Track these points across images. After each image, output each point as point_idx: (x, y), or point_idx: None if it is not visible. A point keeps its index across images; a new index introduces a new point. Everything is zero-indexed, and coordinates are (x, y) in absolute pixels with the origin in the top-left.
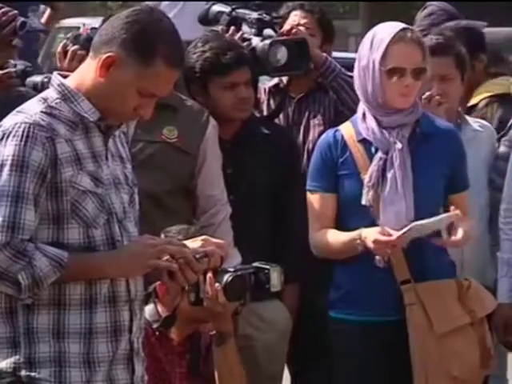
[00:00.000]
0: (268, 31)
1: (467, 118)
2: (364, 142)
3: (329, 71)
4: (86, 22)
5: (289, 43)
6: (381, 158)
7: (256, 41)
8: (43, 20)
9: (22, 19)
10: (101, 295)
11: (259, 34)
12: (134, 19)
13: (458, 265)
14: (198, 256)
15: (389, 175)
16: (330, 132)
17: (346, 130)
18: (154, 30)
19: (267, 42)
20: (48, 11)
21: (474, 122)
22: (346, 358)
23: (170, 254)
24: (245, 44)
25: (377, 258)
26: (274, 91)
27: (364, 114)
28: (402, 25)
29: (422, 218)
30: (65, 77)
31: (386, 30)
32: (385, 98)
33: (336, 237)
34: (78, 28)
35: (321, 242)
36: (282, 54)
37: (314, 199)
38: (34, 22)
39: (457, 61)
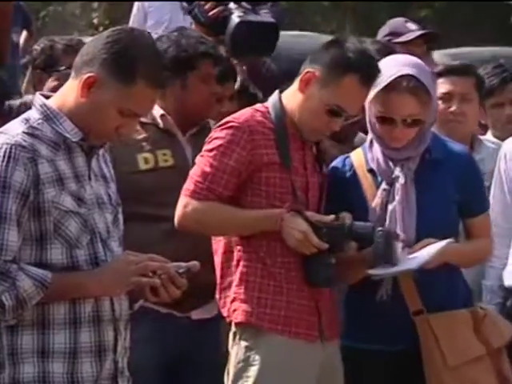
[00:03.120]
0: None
1: (480, 137)
2: (372, 171)
3: None
4: None
5: (255, 25)
6: (384, 190)
7: (232, 5)
8: (21, 41)
9: None
10: (85, 315)
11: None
12: (114, 39)
13: None
14: (180, 271)
15: (390, 207)
16: (339, 159)
17: (356, 157)
18: (135, 49)
19: (236, 20)
20: (24, 34)
21: (486, 141)
22: None
23: (152, 271)
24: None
25: (380, 291)
26: (241, 93)
27: (371, 142)
28: (404, 69)
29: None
30: (47, 97)
31: (389, 71)
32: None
33: None
34: None
35: None
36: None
37: None
38: None
39: (476, 83)
